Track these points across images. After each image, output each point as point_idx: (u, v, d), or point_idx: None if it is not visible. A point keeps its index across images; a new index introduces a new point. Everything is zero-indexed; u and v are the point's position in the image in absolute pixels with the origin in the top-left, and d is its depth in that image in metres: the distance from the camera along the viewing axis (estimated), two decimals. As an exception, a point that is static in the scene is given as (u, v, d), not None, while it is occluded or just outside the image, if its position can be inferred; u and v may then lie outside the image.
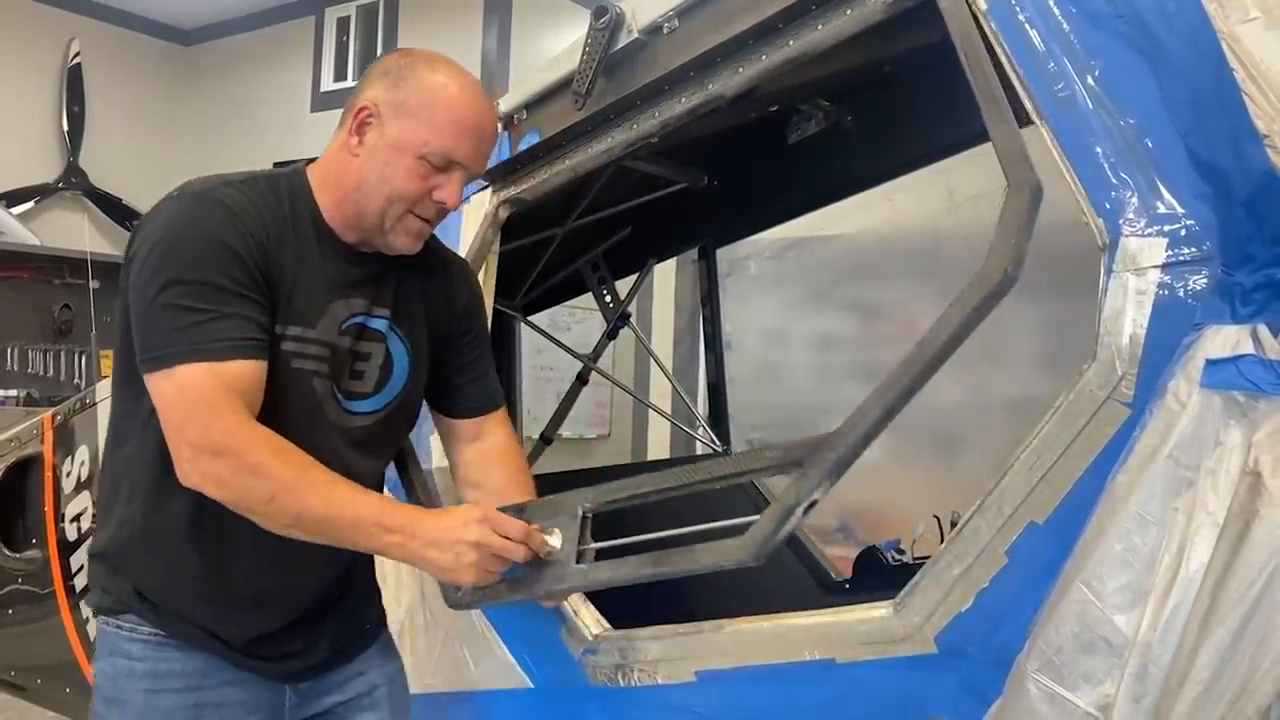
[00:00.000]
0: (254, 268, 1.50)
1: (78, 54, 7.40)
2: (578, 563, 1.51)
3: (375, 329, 1.65)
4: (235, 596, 1.61)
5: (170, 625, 1.60)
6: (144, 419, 1.55)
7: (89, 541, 2.69)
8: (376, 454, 1.71)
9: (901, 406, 1.32)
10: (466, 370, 1.80)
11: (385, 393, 1.68)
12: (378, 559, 1.80)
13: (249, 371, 1.47)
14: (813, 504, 1.34)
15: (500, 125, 2.08)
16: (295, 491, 1.45)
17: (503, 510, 1.56)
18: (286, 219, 1.57)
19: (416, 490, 1.83)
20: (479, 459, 1.80)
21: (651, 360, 4.45)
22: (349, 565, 1.71)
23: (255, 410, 1.48)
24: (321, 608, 1.68)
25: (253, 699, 1.64)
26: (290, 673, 1.67)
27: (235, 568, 1.60)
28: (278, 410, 1.53)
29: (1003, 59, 1.41)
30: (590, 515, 1.53)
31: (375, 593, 1.83)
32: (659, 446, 5.27)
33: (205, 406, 1.44)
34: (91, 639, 2.72)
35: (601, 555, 1.52)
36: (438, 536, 1.47)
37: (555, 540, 1.53)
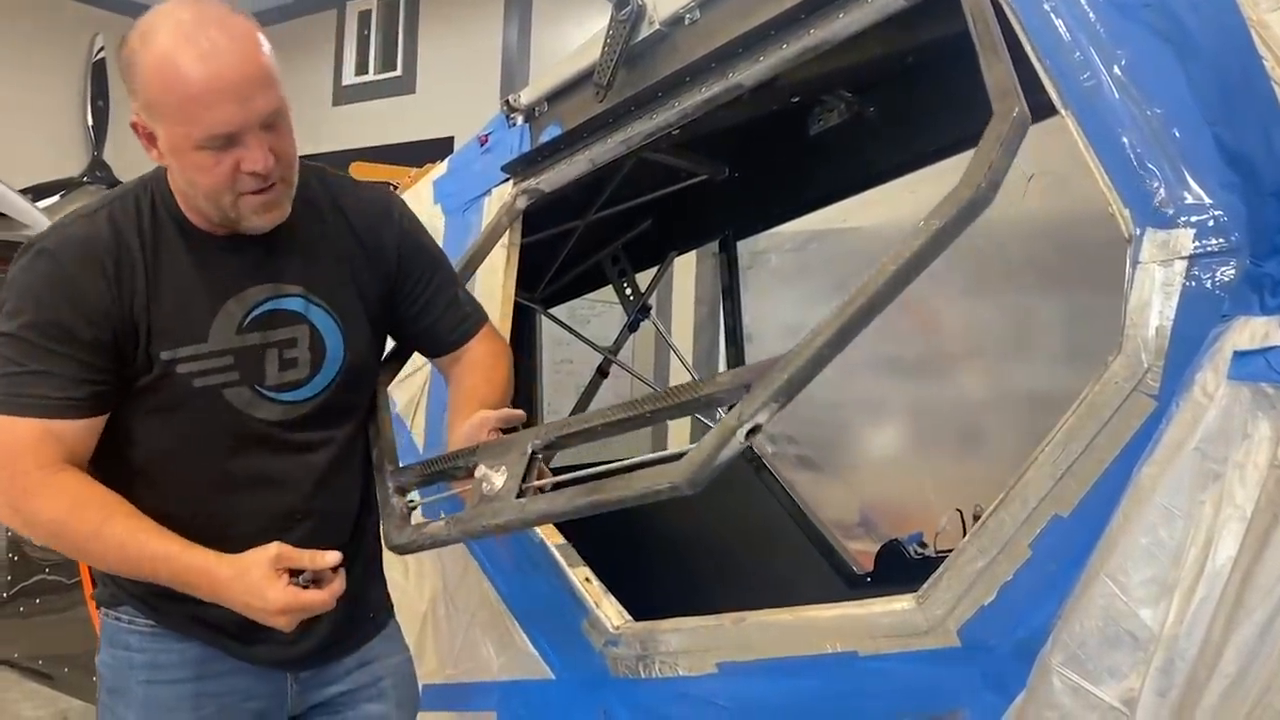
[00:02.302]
0: (79, 324, 1.46)
1: (102, 49, 7.45)
2: (519, 499, 1.45)
3: (290, 309, 1.58)
4: None
5: (165, 617, 1.59)
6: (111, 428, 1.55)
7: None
8: (335, 427, 1.65)
9: (858, 330, 1.22)
10: (427, 310, 1.74)
11: (325, 370, 1.62)
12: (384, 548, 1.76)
13: (61, 429, 1.47)
14: (756, 428, 1.22)
15: (521, 117, 2.08)
16: (92, 544, 1.47)
17: (455, 454, 1.55)
18: (146, 240, 1.51)
19: (379, 441, 1.74)
20: (455, 375, 1.78)
21: (671, 353, 4.44)
22: (363, 558, 1.70)
23: (80, 462, 1.49)
24: None
25: (252, 688, 1.63)
26: (289, 660, 1.64)
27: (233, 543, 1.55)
28: (193, 433, 1.54)
29: (1028, 48, 1.40)
30: (539, 453, 1.48)
31: (379, 581, 1.80)
32: (678, 439, 5.26)
33: (11, 460, 1.46)
34: (118, 629, 2.75)
35: (537, 492, 1.46)
36: (245, 606, 1.44)
37: (499, 478, 1.48)
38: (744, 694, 1.66)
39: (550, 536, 1.89)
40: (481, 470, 1.50)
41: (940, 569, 1.45)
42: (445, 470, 1.60)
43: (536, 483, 1.46)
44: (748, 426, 1.21)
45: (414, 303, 1.73)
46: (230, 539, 1.49)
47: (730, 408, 1.25)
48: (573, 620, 1.84)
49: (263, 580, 1.42)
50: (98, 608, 1.68)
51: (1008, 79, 1.29)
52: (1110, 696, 1.23)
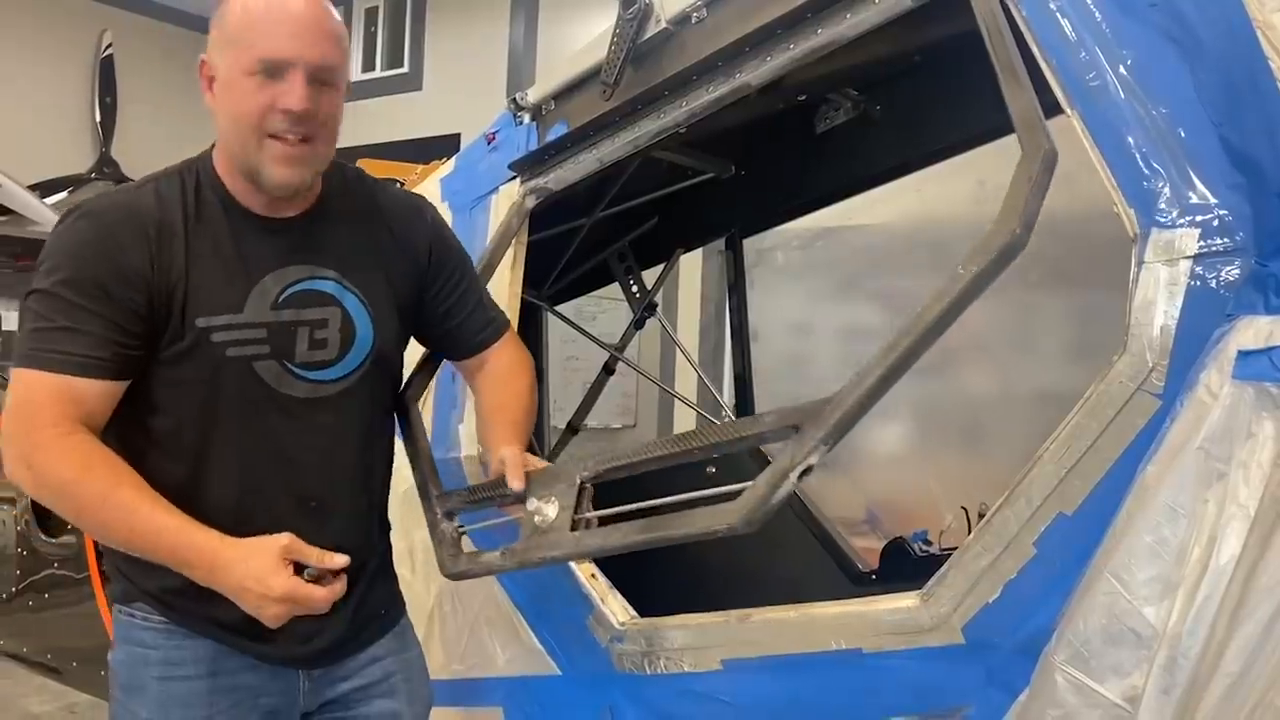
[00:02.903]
0: (116, 285, 1.48)
1: (110, 45, 7.47)
2: (572, 531, 1.49)
3: (323, 291, 1.61)
4: None
5: (179, 614, 1.60)
6: (115, 434, 1.55)
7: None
8: (359, 416, 1.67)
9: (901, 372, 1.27)
10: (454, 313, 1.78)
11: (354, 354, 1.64)
12: (393, 545, 1.79)
13: (83, 388, 1.47)
14: (808, 469, 1.29)
15: (528, 115, 2.09)
16: (97, 510, 1.47)
17: (501, 482, 1.58)
18: (189, 214, 1.55)
19: (420, 463, 1.78)
20: (480, 386, 1.81)
21: (677, 350, 4.45)
22: (358, 549, 1.65)
23: (96, 425, 1.49)
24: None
25: (265, 685, 1.64)
26: (301, 657, 1.65)
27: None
28: (219, 404, 1.55)
29: (1034, 48, 1.40)
30: (588, 484, 1.52)
31: (390, 578, 1.80)
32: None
33: (29, 415, 1.47)
34: (126, 623, 2.77)
35: (601, 524, 1.51)
36: (240, 586, 1.45)
37: (551, 510, 1.53)
38: (749, 691, 1.67)
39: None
40: (534, 503, 1.55)
41: (945, 566, 1.45)
42: (491, 497, 1.64)
43: (588, 514, 1.51)
44: (800, 469, 1.28)
45: (442, 303, 1.76)
46: (245, 522, 1.51)
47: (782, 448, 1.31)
48: (578, 616, 1.85)
49: (268, 566, 1.44)
50: (110, 605, 1.69)
51: (1032, 112, 1.28)
52: (1114, 694, 1.23)
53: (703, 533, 1.34)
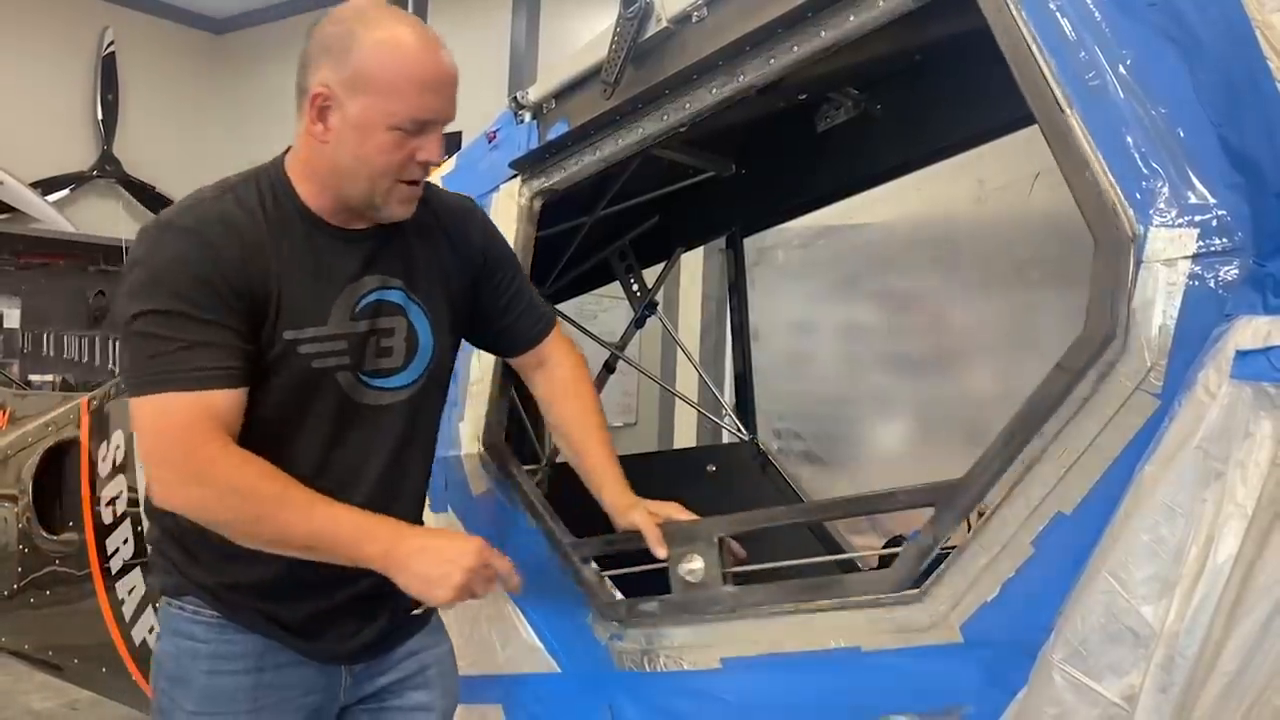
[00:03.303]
0: (228, 293, 1.49)
1: (112, 43, 7.47)
2: (724, 585, 1.65)
3: (393, 301, 1.64)
4: (294, 579, 1.62)
5: (230, 608, 1.63)
6: None
7: (123, 525, 2.74)
8: (419, 425, 1.71)
9: (1013, 460, 1.39)
10: (509, 309, 1.82)
11: (416, 363, 1.68)
12: None
13: (222, 400, 1.48)
14: (947, 541, 1.47)
15: (529, 114, 2.09)
16: (277, 512, 1.48)
17: (636, 535, 1.71)
18: (271, 223, 1.55)
19: (542, 514, 1.93)
20: (549, 390, 1.87)
21: (676, 350, 4.45)
22: None
23: (234, 434, 1.50)
24: (376, 589, 1.66)
25: (310, 680, 1.67)
26: (346, 653, 1.69)
27: (286, 559, 1.58)
28: (301, 414, 1.57)
29: (1033, 47, 1.40)
30: (725, 539, 1.67)
31: None
32: (685, 435, 5.27)
33: (182, 435, 1.46)
34: (127, 620, 2.77)
35: (739, 578, 1.67)
36: (427, 546, 1.51)
37: (698, 564, 1.66)
38: (748, 689, 1.67)
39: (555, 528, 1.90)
40: (688, 560, 1.68)
41: (943, 565, 1.46)
42: (626, 550, 1.77)
43: (735, 569, 1.67)
44: (942, 543, 1.46)
45: (497, 300, 1.80)
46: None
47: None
48: (578, 614, 1.85)
49: (463, 537, 1.55)
50: (159, 598, 1.70)
51: (1101, 196, 1.33)
52: (1111, 693, 1.24)
53: (860, 594, 1.54)
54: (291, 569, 1.59)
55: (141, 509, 1.79)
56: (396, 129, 1.50)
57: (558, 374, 1.88)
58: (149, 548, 1.78)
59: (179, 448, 1.47)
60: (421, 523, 1.78)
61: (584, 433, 1.85)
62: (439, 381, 1.74)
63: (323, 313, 1.57)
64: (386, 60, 1.49)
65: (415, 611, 1.69)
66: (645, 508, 1.74)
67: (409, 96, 1.49)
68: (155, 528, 1.72)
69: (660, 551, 1.70)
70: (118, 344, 1.63)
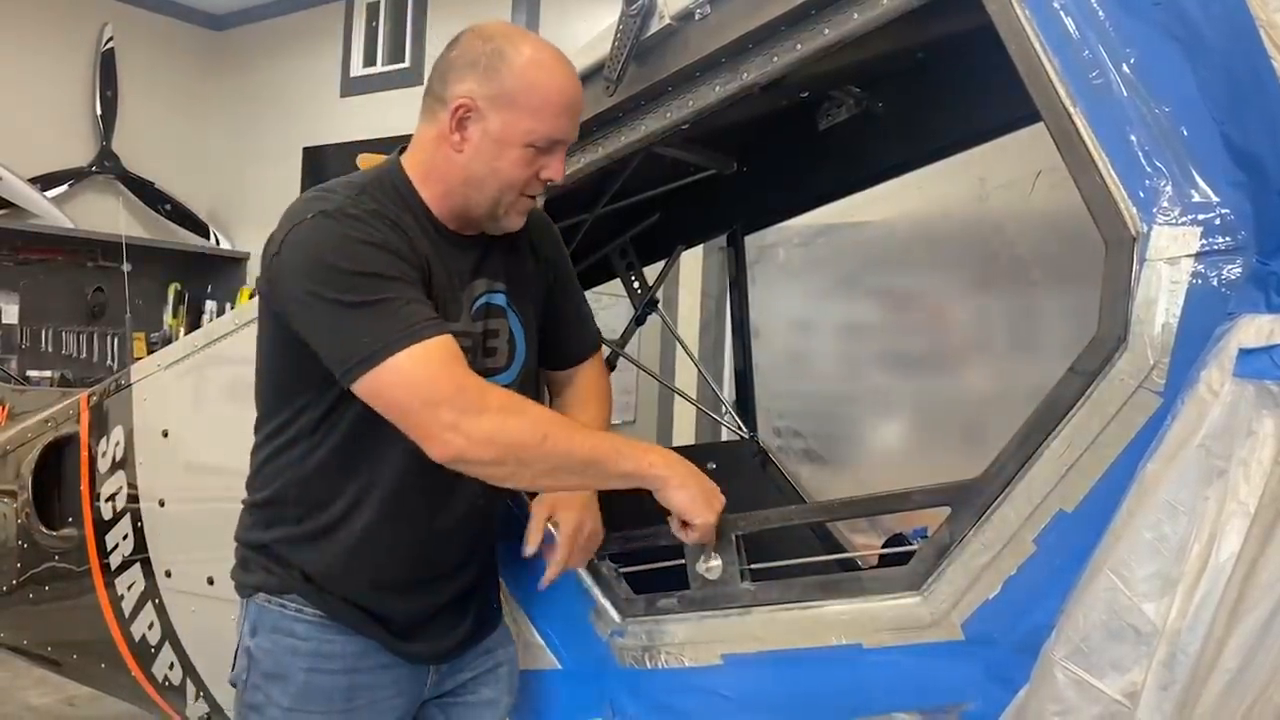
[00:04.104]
0: (411, 259, 1.54)
1: (111, 38, 7.44)
2: (742, 582, 1.67)
3: (498, 305, 1.70)
4: (405, 581, 1.69)
5: (335, 608, 1.66)
6: (310, 428, 1.62)
7: (123, 520, 2.74)
8: None
9: (1028, 459, 1.40)
10: (570, 319, 1.87)
11: (515, 364, 1.73)
12: None
13: (453, 344, 1.51)
14: (963, 540, 1.46)
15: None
16: (562, 431, 1.54)
17: (655, 532, 1.73)
18: (410, 219, 1.60)
19: None
20: (573, 400, 1.89)
21: (676, 347, 4.44)
22: (490, 547, 1.81)
23: None
24: (469, 588, 1.74)
25: (401, 682, 1.72)
26: (439, 654, 1.75)
27: (411, 556, 1.68)
28: None
29: (1036, 45, 1.40)
30: (742, 536, 1.68)
31: (498, 574, 1.89)
32: (683, 434, 5.27)
33: (448, 378, 1.47)
34: (126, 615, 2.77)
35: (758, 575, 1.68)
36: (698, 473, 1.60)
37: (716, 562, 1.68)
38: (749, 685, 1.68)
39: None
40: (704, 560, 1.70)
41: (945, 563, 1.46)
42: (648, 547, 1.80)
43: (749, 566, 1.68)
44: (958, 542, 1.46)
45: (559, 314, 1.84)
46: (422, 522, 1.65)
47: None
48: (579, 610, 1.85)
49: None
50: (252, 595, 1.71)
51: (1107, 196, 1.33)
52: (1113, 690, 1.24)
53: (877, 593, 1.54)
54: (412, 565, 1.67)
55: (242, 508, 1.78)
56: (531, 146, 1.57)
57: (580, 386, 1.91)
58: (239, 547, 1.76)
59: (450, 384, 1.47)
60: (499, 510, 1.82)
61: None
62: (531, 383, 1.78)
63: (456, 309, 1.63)
64: (534, 81, 1.56)
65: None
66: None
67: (549, 117, 1.57)
68: (255, 534, 1.72)
69: (691, 537, 1.69)
70: (324, 331, 1.57)
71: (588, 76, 1.95)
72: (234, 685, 1.74)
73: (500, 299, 1.70)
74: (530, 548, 1.73)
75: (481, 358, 1.67)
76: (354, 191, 1.58)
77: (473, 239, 1.68)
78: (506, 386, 1.68)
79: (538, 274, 1.80)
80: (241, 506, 1.78)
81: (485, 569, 1.82)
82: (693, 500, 1.58)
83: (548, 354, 1.87)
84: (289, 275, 1.52)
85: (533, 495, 1.89)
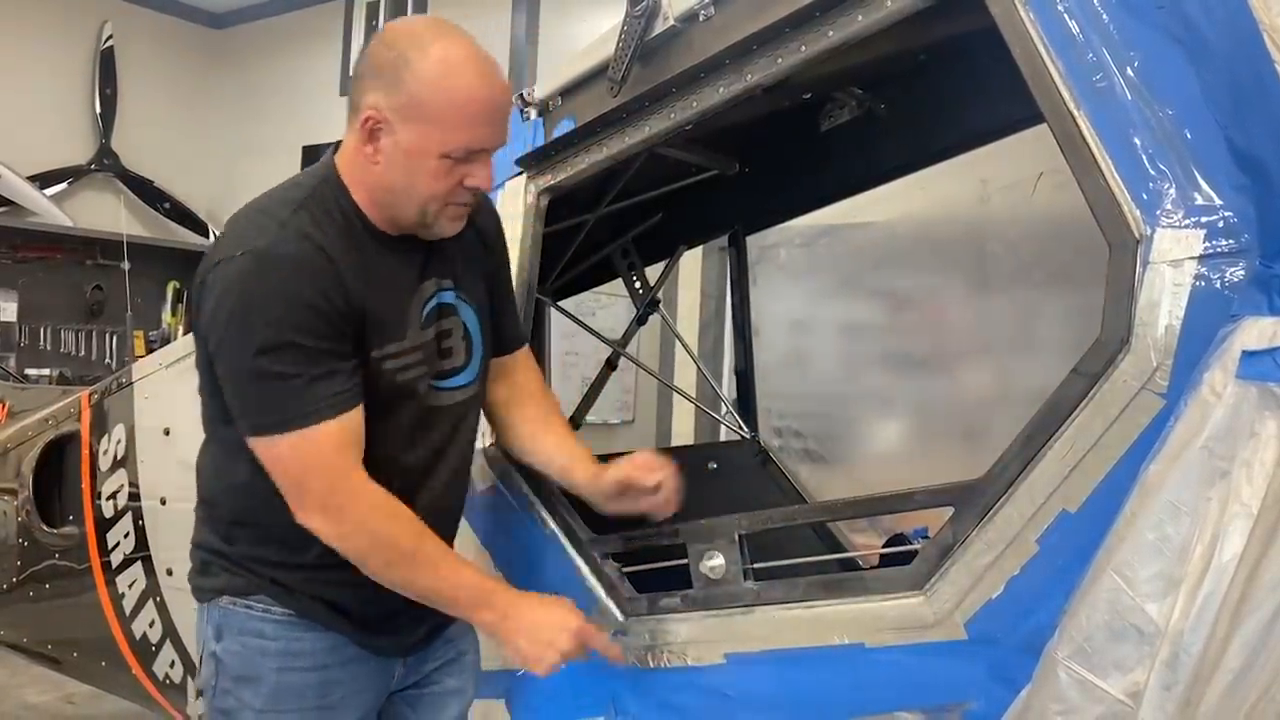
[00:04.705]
0: (336, 317, 1.49)
1: (110, 37, 7.44)
2: (744, 581, 1.67)
3: (448, 303, 1.67)
4: (371, 581, 1.64)
5: (303, 606, 1.65)
6: (252, 458, 1.58)
7: (124, 519, 2.74)
8: (473, 419, 1.77)
9: (1032, 460, 1.40)
10: (504, 310, 1.83)
11: (474, 360, 1.72)
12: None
13: (350, 423, 1.51)
14: (966, 540, 1.46)
15: (535, 111, 2.09)
16: (409, 563, 1.56)
17: (656, 531, 1.75)
18: (346, 239, 1.55)
19: (559, 508, 1.91)
20: (512, 396, 1.85)
21: (675, 347, 4.44)
22: (453, 539, 1.79)
23: (362, 451, 1.53)
24: None
25: (371, 675, 1.72)
26: (406, 647, 1.75)
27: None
28: (389, 422, 1.59)
29: (1040, 48, 1.41)
30: (744, 535, 1.68)
31: None
32: (682, 433, 5.27)
33: (321, 469, 1.50)
34: (127, 614, 2.77)
35: (760, 574, 1.68)
36: (532, 624, 1.58)
37: (719, 561, 1.69)
38: (752, 685, 1.68)
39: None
40: (708, 557, 1.70)
41: (948, 563, 1.47)
42: (649, 547, 1.80)
43: (751, 565, 1.68)
44: (961, 542, 1.46)
45: (493, 298, 1.80)
46: None
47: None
48: (582, 609, 1.85)
49: (569, 610, 1.64)
50: (214, 599, 1.69)
51: (1111, 200, 1.33)
52: (1116, 690, 1.25)
53: (880, 593, 1.54)
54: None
55: (194, 510, 1.77)
56: (447, 157, 1.50)
57: (519, 380, 1.86)
58: (196, 551, 1.75)
59: (320, 480, 1.51)
60: (463, 506, 1.81)
61: (544, 426, 1.83)
62: (486, 377, 1.78)
63: (401, 327, 1.59)
64: (440, 89, 1.47)
65: None
66: (604, 475, 1.74)
67: (462, 127, 1.48)
68: (219, 532, 1.70)
69: (654, 476, 1.70)
70: (230, 384, 1.54)
71: (592, 77, 1.96)
72: (201, 692, 1.75)
73: (450, 296, 1.67)
74: None
75: (438, 361, 1.65)
76: (293, 208, 1.53)
77: (413, 240, 1.62)
78: (470, 384, 1.71)
79: (484, 257, 1.77)
80: (195, 512, 1.76)
81: None
82: (523, 658, 1.59)
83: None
84: (213, 316, 1.52)
85: (536, 489, 1.90)
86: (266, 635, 1.65)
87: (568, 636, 1.58)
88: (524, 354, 1.88)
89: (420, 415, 1.63)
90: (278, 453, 1.51)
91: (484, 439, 2.00)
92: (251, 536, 1.67)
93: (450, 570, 1.59)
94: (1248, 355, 1.18)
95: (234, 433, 1.59)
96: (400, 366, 1.59)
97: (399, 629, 1.71)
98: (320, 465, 1.50)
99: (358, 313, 1.52)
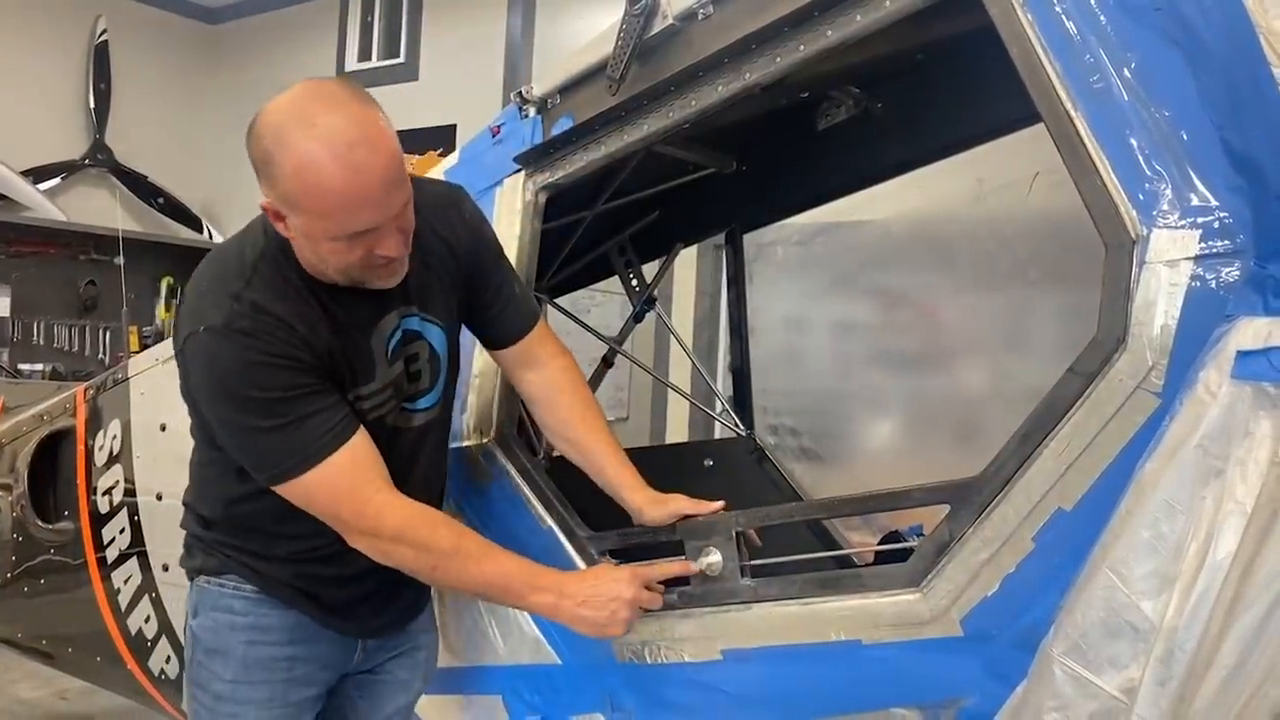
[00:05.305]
0: (307, 366, 1.55)
1: (104, 31, 7.43)
2: (742, 578, 1.67)
3: (412, 329, 1.71)
4: (336, 577, 1.75)
5: (270, 586, 1.74)
6: (235, 472, 1.67)
7: (120, 514, 2.74)
8: (442, 432, 1.84)
9: (1028, 458, 1.40)
10: (495, 300, 1.84)
11: (441, 376, 1.77)
12: None
13: (357, 448, 1.57)
14: (963, 538, 1.46)
15: (533, 109, 2.09)
16: (454, 563, 1.61)
17: (656, 529, 1.75)
18: (299, 292, 1.58)
19: (555, 506, 1.92)
20: (544, 389, 1.89)
21: (670, 345, 4.44)
22: None
23: (382, 469, 1.60)
24: (399, 579, 1.76)
25: (334, 655, 1.81)
26: (371, 631, 1.83)
27: (344, 560, 1.70)
28: None
29: (1038, 48, 1.41)
30: (743, 532, 1.70)
31: None
32: (677, 431, 5.29)
33: (346, 498, 1.57)
34: (123, 609, 2.77)
35: (757, 571, 1.69)
36: (590, 596, 1.61)
37: (716, 558, 1.69)
38: (748, 681, 1.69)
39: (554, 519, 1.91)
40: (705, 554, 1.71)
41: (944, 560, 1.47)
42: (645, 543, 1.79)
43: (749, 562, 1.69)
44: (958, 540, 1.46)
45: (484, 291, 1.82)
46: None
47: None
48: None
49: (625, 578, 1.64)
50: (193, 577, 1.81)
51: (1108, 200, 1.33)
52: (1111, 686, 1.26)
53: (876, 590, 1.54)
54: (338, 569, 1.72)
55: (181, 499, 1.89)
56: (338, 239, 1.49)
57: (548, 373, 1.89)
58: (184, 536, 1.86)
59: (347, 508, 1.58)
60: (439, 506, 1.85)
61: (590, 432, 1.87)
62: (453, 386, 1.84)
63: (370, 368, 1.64)
64: (305, 187, 1.43)
65: None
66: (667, 505, 1.77)
67: (338, 217, 1.46)
68: (199, 519, 1.81)
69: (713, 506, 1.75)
70: (234, 448, 1.64)
71: (591, 75, 1.96)
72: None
73: (414, 321, 1.71)
74: None
75: (407, 387, 1.71)
76: (245, 280, 1.55)
77: None
78: (437, 404, 1.76)
79: (452, 260, 1.76)
80: (183, 506, 1.87)
81: None
82: (594, 627, 1.62)
83: (485, 334, 1.88)
84: (197, 390, 1.59)
85: (533, 487, 1.91)
86: (236, 611, 1.75)
87: (623, 605, 1.61)
88: (541, 340, 1.89)
89: (391, 438, 1.69)
90: (303, 494, 1.59)
91: (480, 435, 2.01)
92: (228, 530, 1.76)
93: (494, 563, 1.62)
94: (1242, 355, 1.19)
95: (211, 447, 1.69)
96: (372, 406, 1.66)
97: (363, 615, 1.80)
98: (343, 495, 1.57)
99: (325, 363, 1.58)
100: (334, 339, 1.59)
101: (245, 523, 1.74)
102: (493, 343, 1.90)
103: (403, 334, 1.69)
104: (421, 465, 1.76)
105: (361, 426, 1.60)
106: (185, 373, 1.61)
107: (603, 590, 1.62)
